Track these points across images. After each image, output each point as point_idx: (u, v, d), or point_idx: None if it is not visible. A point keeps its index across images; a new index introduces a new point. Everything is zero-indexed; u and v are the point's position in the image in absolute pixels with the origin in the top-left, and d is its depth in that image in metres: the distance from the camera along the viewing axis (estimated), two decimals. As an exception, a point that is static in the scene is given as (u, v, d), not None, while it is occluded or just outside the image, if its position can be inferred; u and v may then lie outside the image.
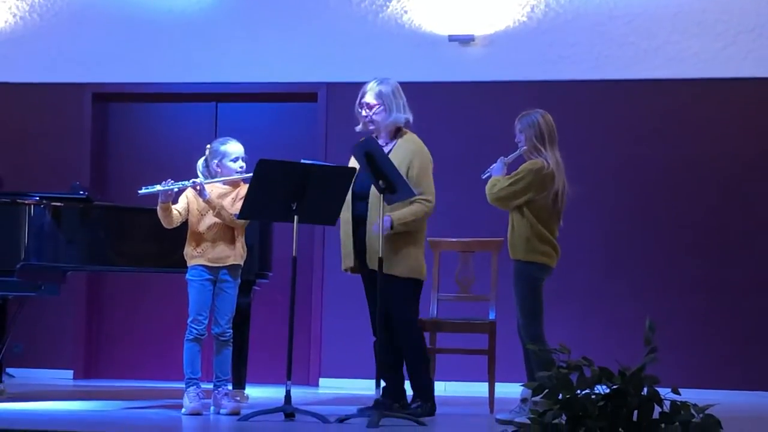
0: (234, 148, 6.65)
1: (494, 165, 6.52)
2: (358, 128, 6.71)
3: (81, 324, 9.89)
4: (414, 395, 6.61)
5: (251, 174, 6.24)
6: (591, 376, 4.21)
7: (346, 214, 6.53)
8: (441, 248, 7.71)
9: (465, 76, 9.61)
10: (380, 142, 6.57)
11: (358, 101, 6.67)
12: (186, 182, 6.49)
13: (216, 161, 6.62)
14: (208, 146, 6.70)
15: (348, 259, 6.63)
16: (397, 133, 6.69)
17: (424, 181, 6.57)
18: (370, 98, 6.64)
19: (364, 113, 6.64)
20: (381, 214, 6.19)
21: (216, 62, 9.88)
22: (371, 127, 6.65)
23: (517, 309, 6.42)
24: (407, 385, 6.70)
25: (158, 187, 6.37)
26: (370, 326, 6.55)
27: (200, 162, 6.69)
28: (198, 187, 6.47)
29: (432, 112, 9.55)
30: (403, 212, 6.46)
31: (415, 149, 6.64)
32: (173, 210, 6.50)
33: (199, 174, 6.64)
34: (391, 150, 6.57)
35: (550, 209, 6.38)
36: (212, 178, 6.62)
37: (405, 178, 6.25)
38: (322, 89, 9.69)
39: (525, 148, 6.44)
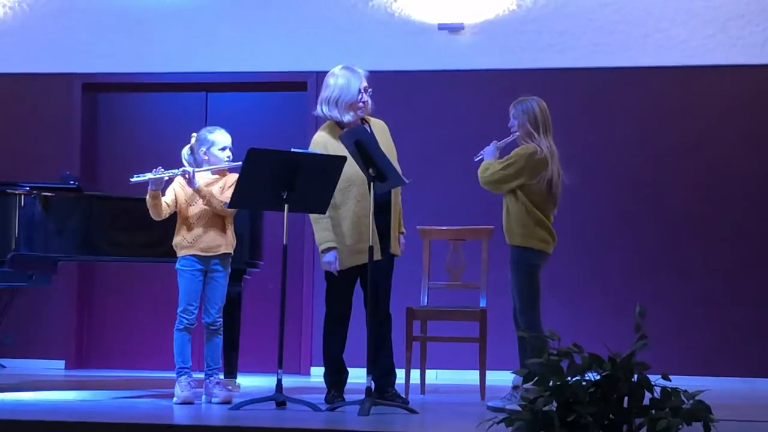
0: (222, 137, 6.65)
1: (487, 148, 6.51)
2: (350, 118, 6.58)
3: (72, 314, 9.89)
4: (389, 380, 6.58)
5: (240, 163, 6.24)
6: (581, 362, 4.23)
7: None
8: (431, 236, 7.72)
9: (454, 64, 9.61)
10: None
11: (363, 86, 6.55)
12: (176, 171, 6.49)
13: (204, 149, 6.61)
14: (194, 134, 6.70)
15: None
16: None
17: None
18: (366, 82, 6.62)
19: (365, 98, 6.60)
20: (372, 202, 6.17)
21: (206, 52, 9.87)
22: (361, 114, 6.62)
23: (513, 295, 6.41)
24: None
25: (149, 175, 6.36)
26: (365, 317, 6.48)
27: (185, 150, 6.68)
28: (187, 176, 6.47)
29: (421, 101, 9.57)
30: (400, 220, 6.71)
31: (387, 128, 6.73)
32: (162, 201, 6.50)
33: (185, 162, 6.64)
34: (371, 131, 6.59)
35: (545, 195, 6.37)
36: (198, 166, 6.61)
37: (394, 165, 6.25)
38: (311, 78, 9.68)
39: (518, 134, 6.44)
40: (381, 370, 6.48)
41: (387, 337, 6.61)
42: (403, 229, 6.76)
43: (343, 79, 6.56)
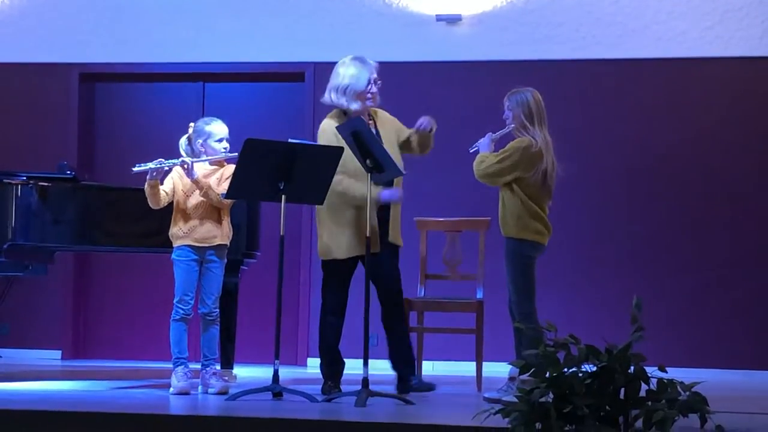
0: (219, 128, 6.64)
1: (482, 140, 6.51)
2: (356, 107, 6.63)
3: (69, 304, 9.88)
4: (411, 369, 6.62)
5: (236, 154, 6.24)
6: (578, 354, 4.23)
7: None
8: (428, 228, 7.71)
9: (452, 55, 9.60)
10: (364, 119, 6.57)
11: (373, 78, 6.60)
12: (176, 161, 6.49)
13: (201, 140, 6.61)
14: (192, 124, 6.69)
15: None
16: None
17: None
18: (376, 73, 6.66)
19: (374, 89, 6.63)
20: (369, 193, 6.17)
21: (203, 42, 9.85)
22: (370, 104, 6.65)
23: (508, 287, 6.41)
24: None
25: (150, 165, 6.37)
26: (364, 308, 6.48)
27: (183, 140, 6.68)
28: (186, 166, 6.46)
29: (419, 92, 9.54)
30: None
31: (396, 120, 6.75)
32: (160, 190, 6.51)
33: (182, 152, 6.64)
34: (375, 124, 6.62)
35: (539, 187, 6.37)
36: (196, 157, 6.61)
37: (391, 155, 6.25)
38: (309, 69, 9.67)
39: (513, 126, 6.43)
40: (402, 360, 6.56)
41: (404, 326, 6.70)
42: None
43: (354, 69, 6.62)
